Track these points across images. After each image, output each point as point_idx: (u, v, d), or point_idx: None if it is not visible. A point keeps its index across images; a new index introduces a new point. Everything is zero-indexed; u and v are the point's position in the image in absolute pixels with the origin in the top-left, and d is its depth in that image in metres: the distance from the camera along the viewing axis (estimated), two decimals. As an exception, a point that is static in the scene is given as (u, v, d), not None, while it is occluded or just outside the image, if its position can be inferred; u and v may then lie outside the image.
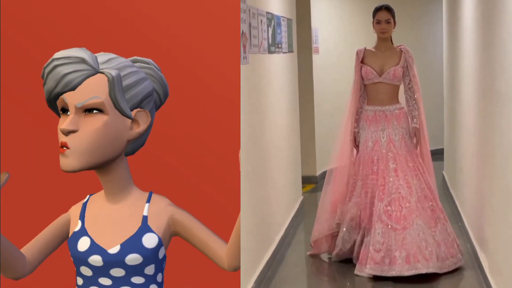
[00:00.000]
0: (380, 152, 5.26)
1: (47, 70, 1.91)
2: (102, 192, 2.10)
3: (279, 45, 6.36)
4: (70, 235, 2.08)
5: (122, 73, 1.93)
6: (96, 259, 2.01)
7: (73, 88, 1.88)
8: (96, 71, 1.91)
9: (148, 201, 2.08)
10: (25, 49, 2.39)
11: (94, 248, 2.01)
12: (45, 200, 2.63)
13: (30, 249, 2.09)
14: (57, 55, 1.90)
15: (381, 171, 5.17)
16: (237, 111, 2.72)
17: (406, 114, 5.36)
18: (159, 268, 2.10)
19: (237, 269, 2.07)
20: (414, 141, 5.32)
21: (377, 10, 5.32)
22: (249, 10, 4.92)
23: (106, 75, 1.91)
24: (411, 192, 5.04)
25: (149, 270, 2.06)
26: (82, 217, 2.06)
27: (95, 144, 1.90)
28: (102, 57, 1.95)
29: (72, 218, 2.10)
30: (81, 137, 1.89)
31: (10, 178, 2.37)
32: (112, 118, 1.91)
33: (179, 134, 2.61)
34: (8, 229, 2.27)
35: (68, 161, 1.91)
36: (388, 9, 5.30)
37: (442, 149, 8.73)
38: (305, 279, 5.61)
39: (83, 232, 2.04)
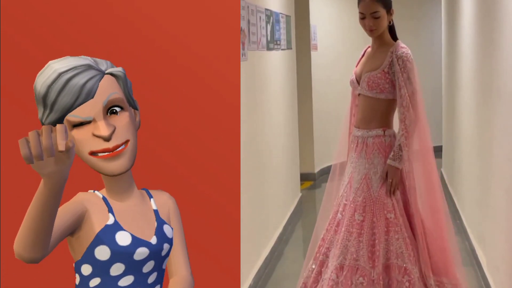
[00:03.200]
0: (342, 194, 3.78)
1: (56, 86, 1.82)
2: (105, 192, 2.05)
3: (278, 42, 6.37)
4: (99, 228, 1.93)
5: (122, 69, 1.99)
6: (142, 251, 1.96)
7: (93, 96, 1.85)
8: (103, 74, 1.91)
9: (150, 196, 2.12)
10: (25, 49, 2.39)
11: (138, 241, 1.96)
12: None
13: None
14: (60, 68, 1.82)
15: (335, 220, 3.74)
16: (237, 109, 2.73)
17: (385, 146, 3.68)
18: (165, 264, 2.14)
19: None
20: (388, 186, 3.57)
21: (359, 0, 3.62)
22: (248, 6, 4.92)
23: (115, 75, 1.94)
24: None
25: (165, 263, 2.10)
26: (111, 210, 1.98)
27: (134, 136, 1.94)
28: (92, 60, 1.94)
29: (96, 209, 1.97)
30: (121, 137, 1.90)
31: (10, 178, 2.38)
32: (130, 112, 1.95)
33: (178, 132, 2.61)
34: (8, 229, 2.28)
35: (121, 162, 1.91)
36: None
37: (441, 147, 8.75)
38: (303, 276, 5.63)
39: (117, 226, 1.95)
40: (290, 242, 6.36)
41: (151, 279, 2.05)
